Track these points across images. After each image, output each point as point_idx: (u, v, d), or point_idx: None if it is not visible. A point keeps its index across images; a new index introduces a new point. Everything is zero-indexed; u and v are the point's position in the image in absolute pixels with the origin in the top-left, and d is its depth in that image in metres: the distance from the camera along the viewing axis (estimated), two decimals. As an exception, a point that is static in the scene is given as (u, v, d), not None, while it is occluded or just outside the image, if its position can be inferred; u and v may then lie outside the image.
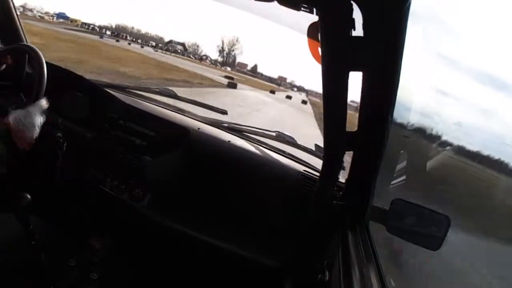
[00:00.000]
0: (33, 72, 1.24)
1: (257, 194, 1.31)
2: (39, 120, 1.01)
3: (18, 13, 1.47)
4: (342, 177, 1.09)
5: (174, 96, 1.57)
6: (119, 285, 1.38)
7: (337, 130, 0.88)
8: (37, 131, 1.00)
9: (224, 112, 1.53)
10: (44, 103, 1.04)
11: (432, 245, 0.96)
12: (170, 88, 1.62)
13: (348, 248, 0.85)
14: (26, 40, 1.48)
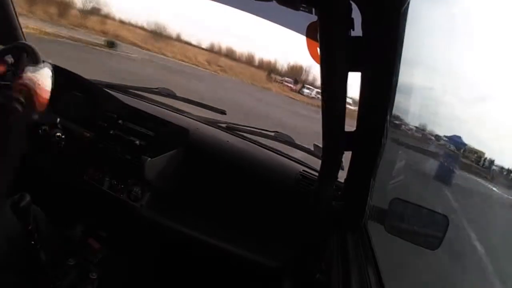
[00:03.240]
0: None
1: (256, 194, 1.31)
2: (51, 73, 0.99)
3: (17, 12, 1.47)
4: (341, 177, 1.09)
5: (173, 96, 1.57)
6: (118, 285, 1.37)
7: (335, 130, 0.88)
8: (51, 83, 0.98)
9: (223, 112, 1.53)
10: (48, 65, 1.02)
11: (431, 244, 0.96)
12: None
13: (347, 248, 0.86)
14: (24, 39, 1.47)
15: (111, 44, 11.54)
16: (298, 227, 1.16)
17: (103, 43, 11.40)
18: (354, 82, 0.72)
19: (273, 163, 1.37)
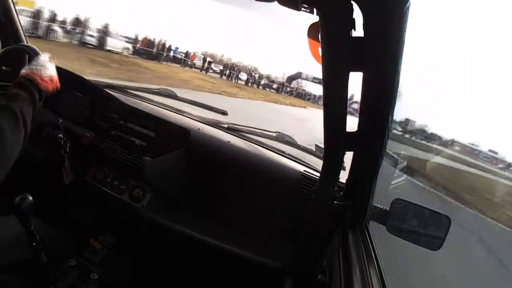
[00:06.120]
0: None
1: (257, 195, 1.31)
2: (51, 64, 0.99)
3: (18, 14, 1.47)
4: (343, 178, 1.09)
5: (174, 97, 1.57)
6: (119, 285, 1.37)
7: (337, 130, 0.87)
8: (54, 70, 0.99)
9: (224, 113, 1.53)
10: (46, 55, 1.02)
11: (433, 245, 0.96)
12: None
13: (349, 248, 0.85)
14: (26, 41, 1.48)
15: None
16: (299, 227, 1.16)
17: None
18: (355, 82, 0.72)
19: (274, 164, 1.37)
